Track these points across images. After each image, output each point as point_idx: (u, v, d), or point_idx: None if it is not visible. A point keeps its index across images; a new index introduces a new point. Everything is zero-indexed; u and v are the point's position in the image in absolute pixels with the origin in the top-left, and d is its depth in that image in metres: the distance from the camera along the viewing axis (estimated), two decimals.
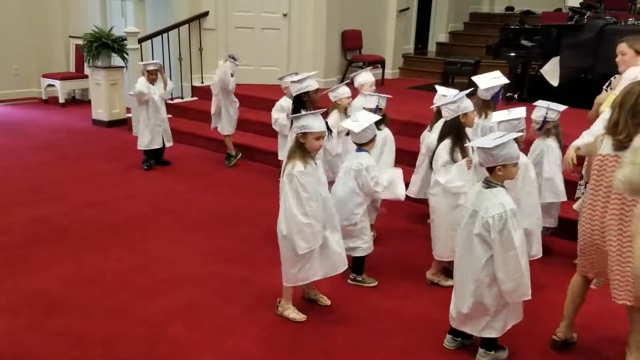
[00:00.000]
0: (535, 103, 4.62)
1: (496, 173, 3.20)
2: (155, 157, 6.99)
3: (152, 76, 6.69)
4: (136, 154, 6.91)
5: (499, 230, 3.12)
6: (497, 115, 4.22)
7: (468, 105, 4.11)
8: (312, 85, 4.94)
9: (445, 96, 4.52)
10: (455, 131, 4.10)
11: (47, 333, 3.59)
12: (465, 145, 4.07)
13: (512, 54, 8.02)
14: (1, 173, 6.62)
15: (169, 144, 6.93)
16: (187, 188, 6.30)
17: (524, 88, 8.08)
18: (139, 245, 4.90)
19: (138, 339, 3.55)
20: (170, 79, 7.17)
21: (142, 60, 7.81)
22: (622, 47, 4.18)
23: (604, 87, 4.38)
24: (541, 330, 3.73)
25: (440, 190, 4.12)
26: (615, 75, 4.30)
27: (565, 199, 4.63)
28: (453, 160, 4.06)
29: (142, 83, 6.65)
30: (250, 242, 5.00)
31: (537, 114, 4.56)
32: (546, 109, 4.51)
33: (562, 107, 4.55)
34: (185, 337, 3.59)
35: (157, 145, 6.85)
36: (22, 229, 5.12)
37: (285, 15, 9.09)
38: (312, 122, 3.60)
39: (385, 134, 4.84)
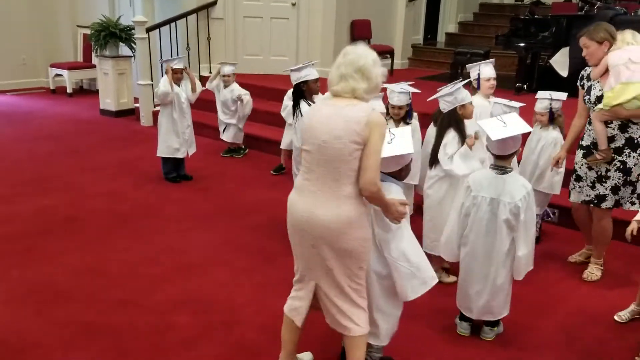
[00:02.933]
0: (537, 95, 4.60)
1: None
2: (175, 168, 6.26)
3: (177, 75, 5.92)
4: (144, 143, 6.90)
5: (525, 210, 3.25)
6: (498, 99, 4.32)
7: (465, 96, 3.98)
8: (311, 74, 4.80)
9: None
10: (456, 124, 3.98)
11: (53, 322, 3.59)
12: (466, 136, 3.99)
13: (522, 45, 7.96)
14: (8, 163, 6.64)
15: (191, 151, 6.22)
16: (194, 177, 6.28)
17: (534, 79, 8.02)
18: (146, 235, 4.89)
19: (144, 328, 3.55)
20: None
21: (160, 56, 7.67)
22: (583, 40, 4.16)
23: (578, 83, 4.33)
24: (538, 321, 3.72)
25: (446, 184, 4.05)
26: (586, 68, 4.26)
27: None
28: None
29: (165, 82, 5.87)
30: (257, 231, 4.99)
31: (542, 106, 4.54)
32: (549, 100, 4.49)
33: (564, 96, 4.54)
34: (192, 327, 3.58)
35: (181, 155, 6.10)
36: (29, 218, 5.13)
37: (294, 4, 9.05)
38: None
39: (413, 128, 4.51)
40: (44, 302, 3.80)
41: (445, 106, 3.99)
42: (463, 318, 3.59)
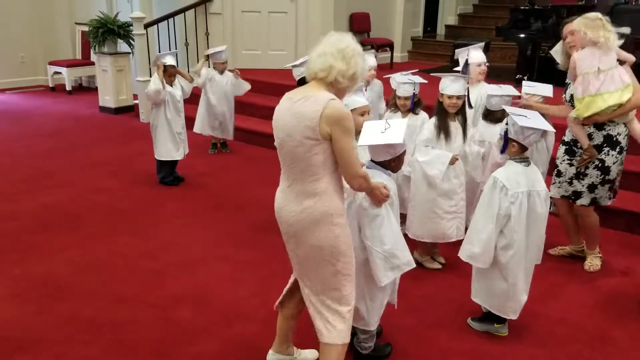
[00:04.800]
0: (523, 84, 4.57)
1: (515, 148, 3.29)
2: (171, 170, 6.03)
3: (170, 78, 5.65)
4: (143, 140, 6.88)
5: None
6: (490, 89, 4.30)
7: (445, 86, 3.94)
8: None
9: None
10: (438, 110, 4.00)
11: (57, 318, 3.58)
12: (448, 128, 3.98)
13: (522, 36, 7.92)
14: (9, 160, 6.63)
15: (185, 151, 5.98)
16: (193, 173, 6.27)
17: (534, 69, 7.98)
18: (147, 230, 4.89)
19: (146, 323, 3.54)
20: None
21: (158, 52, 7.62)
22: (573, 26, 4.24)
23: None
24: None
25: (420, 168, 4.07)
26: None
27: None
28: (437, 139, 4.00)
29: (155, 80, 5.55)
30: (257, 226, 4.97)
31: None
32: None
33: (548, 91, 4.43)
34: (193, 321, 3.58)
35: (179, 157, 5.87)
36: (31, 215, 5.12)
37: None
38: (354, 98, 3.56)
39: (422, 117, 4.50)
40: (46, 298, 3.80)
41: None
42: (502, 320, 3.48)
